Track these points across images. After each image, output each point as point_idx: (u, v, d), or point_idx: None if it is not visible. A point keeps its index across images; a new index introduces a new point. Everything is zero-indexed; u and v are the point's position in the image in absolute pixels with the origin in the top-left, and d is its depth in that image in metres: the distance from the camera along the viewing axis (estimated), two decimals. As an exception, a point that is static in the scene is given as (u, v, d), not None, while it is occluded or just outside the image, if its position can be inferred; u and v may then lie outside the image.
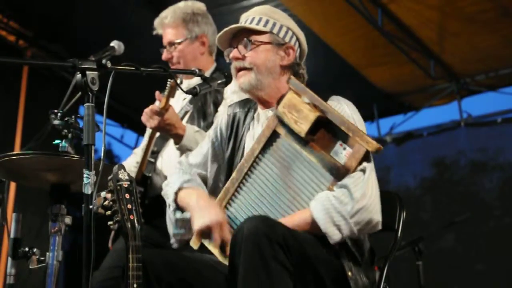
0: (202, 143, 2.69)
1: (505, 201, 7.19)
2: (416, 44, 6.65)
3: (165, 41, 3.40)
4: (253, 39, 2.46)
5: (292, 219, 2.23)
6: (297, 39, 2.53)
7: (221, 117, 2.68)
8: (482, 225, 7.04)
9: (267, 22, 2.49)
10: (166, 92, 2.98)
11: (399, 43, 6.54)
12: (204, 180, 2.60)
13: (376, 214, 2.20)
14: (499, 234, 6.99)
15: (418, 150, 7.90)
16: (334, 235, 2.16)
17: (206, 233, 2.30)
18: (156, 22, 3.43)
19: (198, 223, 2.31)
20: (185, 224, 2.43)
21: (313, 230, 2.20)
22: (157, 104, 3.04)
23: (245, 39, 2.47)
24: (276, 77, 2.47)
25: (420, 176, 7.92)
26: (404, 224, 2.59)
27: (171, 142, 3.20)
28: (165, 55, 3.38)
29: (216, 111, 3.20)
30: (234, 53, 2.48)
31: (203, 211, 2.34)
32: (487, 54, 6.77)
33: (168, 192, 2.53)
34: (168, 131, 3.05)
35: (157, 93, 3.03)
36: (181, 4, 3.44)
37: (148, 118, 3.03)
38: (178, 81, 3.37)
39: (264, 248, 1.98)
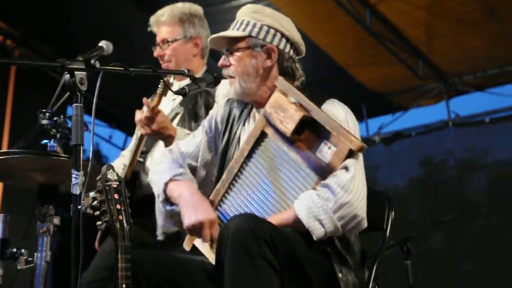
0: (195, 132, 2.68)
1: (493, 200, 7.22)
2: (405, 44, 6.67)
3: (158, 38, 3.39)
4: (233, 46, 2.46)
5: (279, 218, 2.23)
6: (282, 35, 2.47)
7: (217, 110, 2.67)
8: (470, 224, 7.07)
9: (247, 24, 2.46)
10: (159, 91, 2.99)
11: (387, 43, 6.56)
12: (193, 171, 2.58)
13: (360, 210, 2.17)
14: (487, 233, 7.02)
15: (407, 150, 7.92)
16: (317, 230, 2.14)
17: (197, 229, 2.27)
18: (152, 19, 3.42)
19: (190, 219, 2.27)
20: (174, 217, 2.42)
21: (298, 228, 2.19)
22: (145, 109, 3.03)
23: (226, 48, 2.48)
24: (263, 79, 2.46)
25: (409, 176, 7.95)
26: (393, 224, 2.60)
27: (160, 141, 3.19)
28: (157, 52, 3.37)
29: (207, 113, 3.19)
30: (221, 61, 2.50)
31: (195, 207, 2.31)
32: (475, 54, 6.80)
33: (157, 180, 2.49)
34: (162, 135, 3.04)
35: (144, 99, 3.02)
36: (179, 4, 3.43)
37: (143, 125, 3.02)
38: (170, 81, 3.37)
39: (250, 245, 1.98)
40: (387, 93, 7.73)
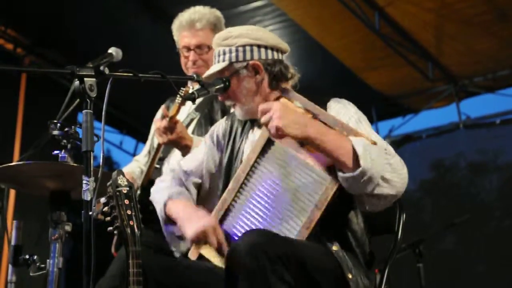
0: (197, 150, 2.70)
1: (505, 202, 7.19)
2: (414, 47, 6.67)
3: (191, 42, 3.34)
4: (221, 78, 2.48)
5: (330, 133, 2.21)
6: (258, 46, 2.47)
7: (219, 124, 2.69)
8: (483, 227, 7.04)
9: (224, 53, 2.47)
10: (178, 100, 3.00)
11: (396, 46, 6.55)
12: (198, 188, 2.61)
13: (401, 188, 2.21)
14: (500, 235, 7.00)
15: (417, 152, 7.91)
16: (367, 163, 2.10)
17: (201, 238, 2.29)
18: (184, 22, 3.36)
19: (190, 232, 2.31)
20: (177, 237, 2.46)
21: (343, 151, 2.16)
22: (160, 116, 3.04)
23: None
24: (258, 94, 2.47)
25: (420, 179, 7.93)
26: (404, 227, 2.59)
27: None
28: (193, 57, 3.32)
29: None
30: (219, 97, 2.55)
31: (192, 219, 2.35)
32: (484, 56, 6.78)
33: (157, 200, 2.53)
34: (179, 144, 3.05)
35: (163, 109, 3.03)
36: (205, 9, 3.40)
37: (161, 133, 3.03)
38: (190, 86, 3.37)
39: (263, 263, 1.98)
40: (397, 96, 7.72)
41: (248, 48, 2.46)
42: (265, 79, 2.47)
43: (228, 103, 2.53)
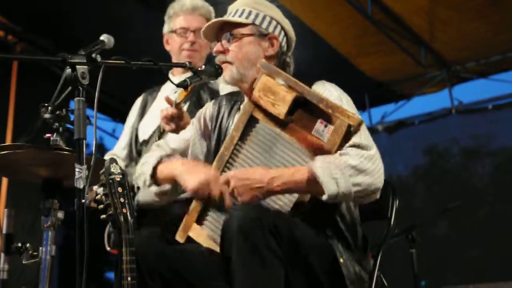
0: (184, 130, 2.68)
1: (498, 187, 7.23)
2: (407, 33, 6.66)
3: (193, 24, 3.42)
4: (235, 32, 2.46)
5: (292, 177, 2.20)
6: (282, 28, 2.51)
7: (206, 108, 2.67)
8: (475, 212, 7.07)
9: (249, 13, 2.48)
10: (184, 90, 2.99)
11: (389, 31, 6.54)
12: None
13: (377, 180, 2.16)
14: (492, 220, 7.03)
15: (410, 138, 7.92)
16: (331, 187, 2.10)
17: (203, 188, 2.29)
18: (186, 5, 3.46)
19: (192, 183, 2.30)
20: (163, 195, 2.46)
21: (309, 189, 2.18)
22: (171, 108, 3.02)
23: (227, 32, 2.47)
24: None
25: (413, 164, 7.95)
26: (397, 212, 2.60)
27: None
28: (192, 38, 3.40)
29: None
30: (217, 47, 2.50)
31: (193, 170, 2.34)
32: (477, 41, 6.78)
33: (144, 169, 2.50)
34: None
35: (166, 97, 3.01)
36: (202, 1, 3.53)
37: (167, 121, 3.01)
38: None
39: (256, 237, 1.99)
40: (390, 81, 7.72)
41: (274, 22, 2.50)
42: (272, 60, 2.48)
43: (226, 58, 2.48)
